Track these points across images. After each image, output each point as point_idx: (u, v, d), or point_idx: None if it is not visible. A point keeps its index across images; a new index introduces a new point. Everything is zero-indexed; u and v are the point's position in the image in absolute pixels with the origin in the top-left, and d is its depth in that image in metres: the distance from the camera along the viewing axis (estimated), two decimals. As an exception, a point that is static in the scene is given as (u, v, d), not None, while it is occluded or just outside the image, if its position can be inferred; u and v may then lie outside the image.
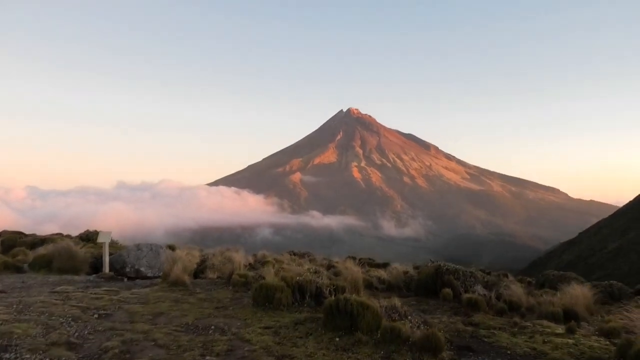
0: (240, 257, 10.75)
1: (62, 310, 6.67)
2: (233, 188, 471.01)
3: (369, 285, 10.11)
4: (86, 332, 5.69)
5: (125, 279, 12.10)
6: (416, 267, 15.36)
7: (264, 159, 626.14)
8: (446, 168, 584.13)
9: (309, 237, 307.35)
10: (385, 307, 6.22)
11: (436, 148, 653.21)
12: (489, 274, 15.37)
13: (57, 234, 22.45)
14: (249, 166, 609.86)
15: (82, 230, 26.41)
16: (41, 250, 12.56)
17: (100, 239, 12.03)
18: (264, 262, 18.58)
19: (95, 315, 6.56)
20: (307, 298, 7.02)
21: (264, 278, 11.28)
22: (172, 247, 22.73)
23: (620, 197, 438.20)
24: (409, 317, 6.22)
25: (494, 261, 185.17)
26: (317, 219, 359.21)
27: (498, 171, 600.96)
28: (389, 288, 10.38)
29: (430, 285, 8.82)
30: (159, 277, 12.82)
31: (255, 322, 6.26)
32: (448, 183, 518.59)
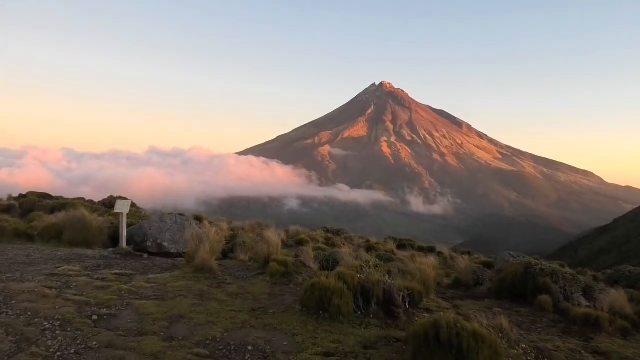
0: (275, 237, 9.02)
1: (52, 308, 5.06)
2: (262, 158, 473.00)
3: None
4: (72, 351, 4.02)
5: (145, 255, 10.58)
6: (487, 263, 13.38)
7: (293, 130, 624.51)
8: (478, 147, 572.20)
9: (335, 211, 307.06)
10: (491, 329, 4.41)
11: (469, 126, 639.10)
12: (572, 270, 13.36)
13: (79, 198, 21.28)
14: (278, 137, 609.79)
15: (116, 194, 25.35)
16: (52, 218, 11.16)
17: (117, 209, 10.47)
18: (298, 240, 16.93)
19: (94, 317, 4.91)
20: (374, 305, 5.24)
21: (305, 265, 9.59)
22: (199, 218, 21.31)
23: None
24: (522, 345, 4.41)
25: (521, 243, 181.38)
26: (344, 193, 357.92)
27: (530, 152, 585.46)
28: (456, 285, 8.58)
29: (517, 287, 6.96)
30: (183, 254, 11.27)
31: (308, 341, 4.53)
32: (479, 162, 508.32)
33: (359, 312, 5.17)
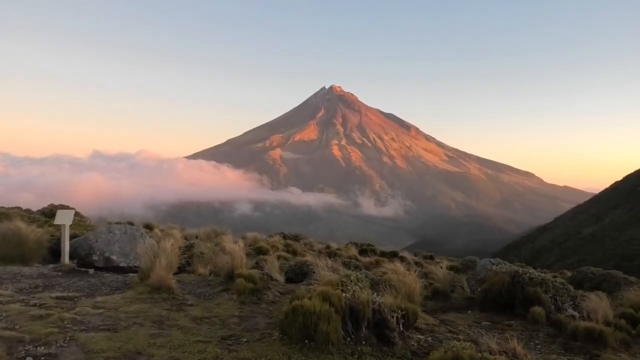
0: (238, 249, 8.21)
1: (-27, 349, 4.08)
2: (212, 162, 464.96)
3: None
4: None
5: (91, 270, 9.48)
6: (452, 268, 12.99)
7: (244, 133, 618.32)
8: (425, 149, 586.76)
9: (287, 214, 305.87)
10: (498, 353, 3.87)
11: (416, 129, 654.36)
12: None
13: (15, 207, 19.46)
14: (229, 140, 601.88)
15: (59, 201, 23.47)
16: (-20, 232, 9.85)
17: (58, 220, 9.32)
18: (258, 249, 16.06)
19: (28, 360, 3.99)
20: (364, 329, 4.57)
21: (272, 278, 8.83)
22: (149, 226, 20.04)
23: (592, 184, 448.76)
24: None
25: (467, 243, 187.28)
26: (296, 196, 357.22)
27: (475, 154, 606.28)
28: (434, 295, 8.09)
29: (504, 298, 6.52)
30: (134, 268, 10.21)
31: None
32: (427, 164, 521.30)
33: (349, 339, 4.49)
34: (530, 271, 6.84)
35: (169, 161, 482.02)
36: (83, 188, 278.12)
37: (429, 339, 5.07)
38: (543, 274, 6.82)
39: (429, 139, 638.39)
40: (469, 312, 7.07)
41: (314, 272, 10.39)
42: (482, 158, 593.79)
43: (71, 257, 10.35)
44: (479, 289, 7.67)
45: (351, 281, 6.00)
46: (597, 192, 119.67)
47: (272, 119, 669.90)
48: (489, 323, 6.26)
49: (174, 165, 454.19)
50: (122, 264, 10.57)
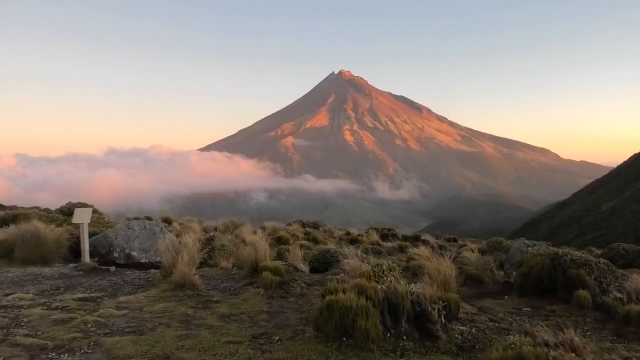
0: (262, 241, 7.93)
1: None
2: (225, 153, 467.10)
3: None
4: None
5: (112, 268, 9.33)
6: (483, 249, 12.60)
7: (255, 123, 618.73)
8: (438, 130, 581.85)
9: (303, 202, 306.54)
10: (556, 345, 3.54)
11: (428, 110, 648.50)
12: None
13: (34, 207, 19.48)
14: (240, 130, 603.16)
15: (77, 199, 23.51)
16: (0, 234, 9.73)
17: (76, 219, 9.14)
18: (278, 238, 15.82)
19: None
20: (404, 323, 4.27)
21: (297, 269, 8.56)
22: (167, 220, 19.94)
23: (610, 158, 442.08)
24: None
25: (485, 223, 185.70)
26: (310, 183, 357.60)
27: (489, 132, 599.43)
28: (466, 281, 7.74)
29: (545, 282, 6.16)
30: (155, 264, 10.06)
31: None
32: (440, 145, 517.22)
33: (388, 334, 4.18)
34: (572, 252, 6.46)
35: (182, 154, 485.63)
36: (100, 185, 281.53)
37: (473, 330, 4.74)
38: (585, 255, 6.43)
39: (441, 119, 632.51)
40: (506, 297, 6.73)
41: (338, 261, 10.13)
42: (496, 136, 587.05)
43: (91, 255, 10.22)
44: (513, 273, 7.30)
45: (383, 271, 5.70)
46: (615, 165, 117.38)
47: (283, 107, 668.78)
48: (529, 309, 5.91)
49: (187, 158, 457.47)
50: (142, 260, 10.42)
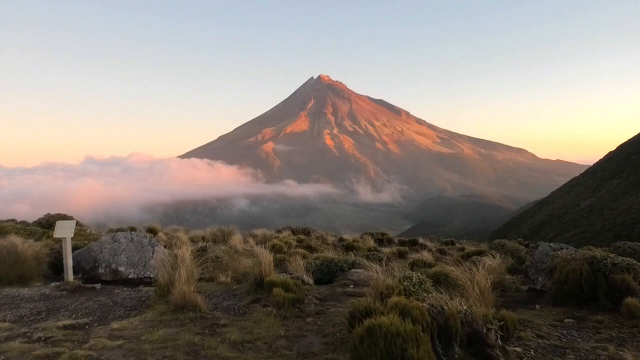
0: (265, 253, 7.23)
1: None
2: (205, 159, 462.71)
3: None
4: None
5: (98, 285, 8.53)
6: (478, 252, 12.03)
7: (235, 129, 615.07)
8: (417, 133, 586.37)
9: (285, 207, 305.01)
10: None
11: (407, 113, 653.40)
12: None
13: (9, 220, 18.35)
14: (221, 136, 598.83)
15: (54, 209, 22.33)
16: (-29, 252, 8.83)
17: (57, 233, 8.30)
18: (271, 247, 15.07)
19: None
20: (457, 348, 3.64)
21: (303, 283, 7.87)
22: (152, 230, 18.99)
23: (585, 157, 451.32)
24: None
25: (466, 223, 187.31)
26: (292, 188, 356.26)
27: (467, 134, 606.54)
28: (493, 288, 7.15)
29: (584, 289, 5.61)
30: (145, 279, 9.29)
31: None
32: (420, 147, 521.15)
33: (441, 362, 3.56)
34: (612, 255, 5.93)
35: (161, 162, 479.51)
36: (78, 195, 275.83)
37: (531, 352, 4.13)
38: (628, 259, 5.90)
39: (420, 122, 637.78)
40: (537, 306, 6.16)
41: (343, 271, 9.47)
42: (474, 137, 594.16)
43: (74, 272, 9.38)
44: (539, 279, 6.74)
45: (414, 285, 5.07)
46: (590, 164, 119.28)
47: (263, 112, 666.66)
48: (572, 320, 5.34)
49: (167, 166, 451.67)
50: (131, 276, 9.59)
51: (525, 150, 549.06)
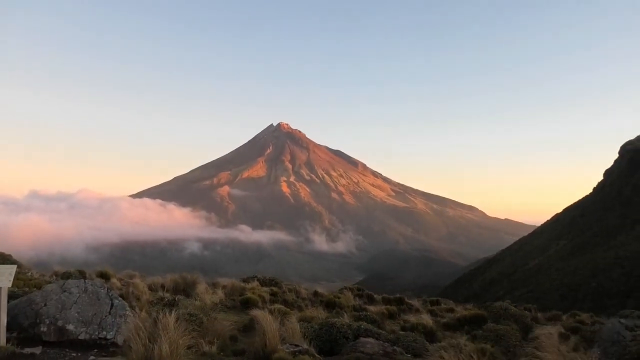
0: (266, 316, 5.70)
1: None
2: (158, 200, 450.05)
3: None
4: None
5: (39, 350, 6.71)
6: (477, 316, 10.73)
7: (191, 171, 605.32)
8: (373, 185, 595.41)
9: (237, 253, 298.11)
10: None
11: (363, 165, 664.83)
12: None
13: None
14: (175, 178, 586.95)
15: None
16: None
17: (-12, 283, 6.44)
18: (244, 301, 13.26)
19: None
20: None
21: (304, 353, 6.30)
22: (104, 275, 16.71)
23: (531, 217, 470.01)
24: None
25: (417, 277, 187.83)
26: (246, 234, 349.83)
27: (421, 189, 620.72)
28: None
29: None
30: (100, 342, 7.47)
31: None
32: (374, 199, 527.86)
33: None
34: None
35: (111, 200, 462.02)
36: (20, 230, 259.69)
37: None
38: None
39: (375, 174, 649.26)
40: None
41: (346, 339, 7.94)
42: (427, 193, 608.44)
43: (9, 328, 7.43)
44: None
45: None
46: (537, 224, 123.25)
47: (220, 155, 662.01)
48: None
49: (117, 204, 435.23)
50: (82, 336, 7.66)
51: (476, 208, 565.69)
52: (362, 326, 8.30)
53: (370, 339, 7.33)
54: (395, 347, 7.13)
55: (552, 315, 16.82)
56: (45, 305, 7.78)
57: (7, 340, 7.00)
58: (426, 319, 10.72)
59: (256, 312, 6.09)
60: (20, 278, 12.00)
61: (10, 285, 6.58)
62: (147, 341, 4.67)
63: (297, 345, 6.26)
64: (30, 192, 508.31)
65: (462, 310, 14.07)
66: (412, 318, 11.60)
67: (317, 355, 6.12)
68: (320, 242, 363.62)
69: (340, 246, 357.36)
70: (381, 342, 7.25)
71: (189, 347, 6.88)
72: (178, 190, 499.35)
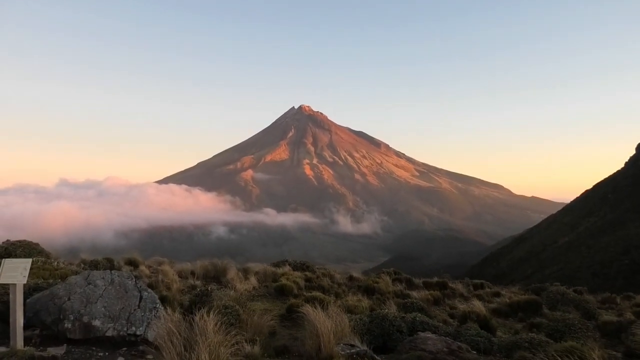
0: (321, 316, 4.85)
1: None
2: (183, 186, 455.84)
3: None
4: None
5: (63, 349, 6.06)
6: (531, 301, 9.76)
7: (214, 156, 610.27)
8: (396, 165, 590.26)
9: (263, 236, 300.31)
10: None
11: (386, 145, 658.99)
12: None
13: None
14: (200, 163, 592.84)
15: (26, 232, 19.51)
16: None
17: (4, 278, 5.75)
18: (279, 288, 12.51)
19: None
20: None
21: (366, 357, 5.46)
22: (133, 262, 16.22)
23: (558, 194, 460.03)
24: None
25: (443, 257, 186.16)
26: (271, 217, 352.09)
27: (445, 168, 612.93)
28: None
29: None
30: (131, 339, 6.80)
31: None
32: (398, 180, 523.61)
33: None
34: None
35: (138, 187, 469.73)
36: (51, 218, 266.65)
37: None
38: None
39: (399, 155, 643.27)
40: None
41: (401, 332, 7.07)
42: (451, 172, 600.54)
43: (30, 325, 6.81)
44: None
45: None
46: (564, 202, 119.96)
47: (243, 140, 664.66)
48: None
49: (144, 191, 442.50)
50: (109, 333, 6.98)
51: (502, 186, 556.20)
52: (418, 318, 7.41)
53: (430, 334, 6.45)
54: (459, 344, 6.23)
55: (604, 298, 15.67)
56: (69, 299, 7.10)
57: (29, 340, 6.37)
58: (479, 306, 9.76)
59: (312, 312, 5.19)
60: (46, 268, 11.40)
61: (25, 281, 5.86)
62: (183, 349, 3.90)
63: (352, 346, 5.40)
64: (60, 181, 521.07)
65: (510, 294, 13.06)
66: (459, 305, 10.68)
67: (377, 358, 5.27)
68: (344, 223, 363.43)
69: (365, 227, 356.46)
70: (443, 337, 6.36)
71: (225, 345, 6.15)
72: (202, 175, 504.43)
